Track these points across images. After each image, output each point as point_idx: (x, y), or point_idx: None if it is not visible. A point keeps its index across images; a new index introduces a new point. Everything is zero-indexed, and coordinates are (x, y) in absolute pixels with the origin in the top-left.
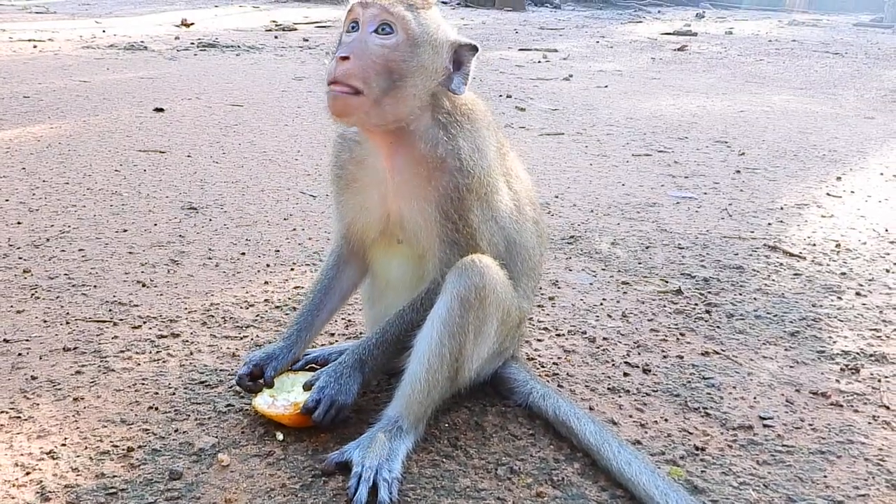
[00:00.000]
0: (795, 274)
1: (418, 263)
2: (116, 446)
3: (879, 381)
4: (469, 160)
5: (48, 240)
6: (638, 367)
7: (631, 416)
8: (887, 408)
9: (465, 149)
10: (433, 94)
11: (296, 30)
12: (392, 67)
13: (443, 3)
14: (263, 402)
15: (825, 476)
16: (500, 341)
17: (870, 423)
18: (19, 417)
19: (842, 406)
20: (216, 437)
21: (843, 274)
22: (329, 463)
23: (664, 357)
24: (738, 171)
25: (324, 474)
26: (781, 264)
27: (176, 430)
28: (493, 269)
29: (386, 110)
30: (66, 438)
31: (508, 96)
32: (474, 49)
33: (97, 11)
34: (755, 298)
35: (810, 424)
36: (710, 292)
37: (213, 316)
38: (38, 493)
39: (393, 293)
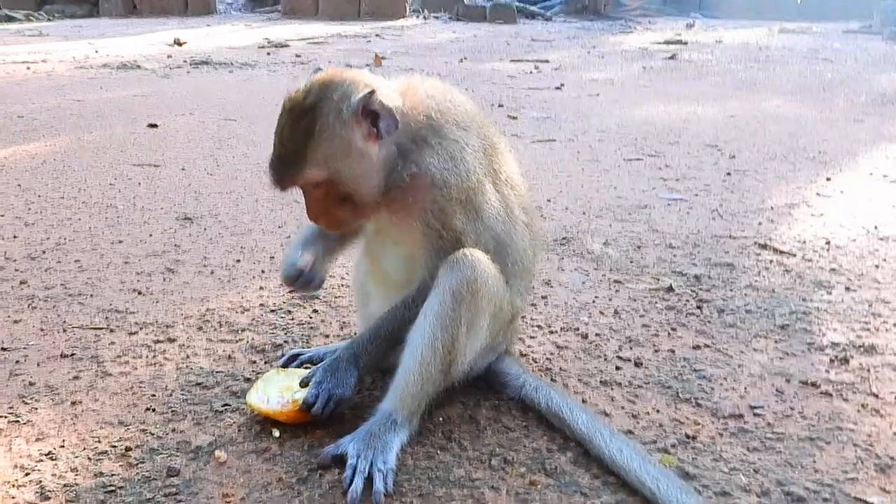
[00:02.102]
0: (786, 270)
1: (412, 262)
2: (114, 447)
3: (868, 370)
4: (441, 172)
5: (44, 252)
6: (630, 360)
7: (623, 408)
8: (876, 396)
9: (434, 163)
10: (382, 144)
11: (288, 46)
12: (342, 195)
13: (435, 17)
14: (258, 399)
15: (815, 461)
16: (493, 335)
17: (859, 410)
18: (18, 421)
19: (831, 395)
20: (213, 435)
21: (833, 270)
22: (325, 456)
23: (656, 351)
24: (729, 174)
25: (320, 468)
26: (772, 261)
27: (173, 430)
28: (485, 263)
29: (366, 202)
30: (64, 440)
31: (500, 105)
32: (366, 95)
33: (90, 33)
34: (746, 294)
35: (800, 413)
36: (701, 289)
37: (208, 321)
38: (37, 492)
39: (389, 290)
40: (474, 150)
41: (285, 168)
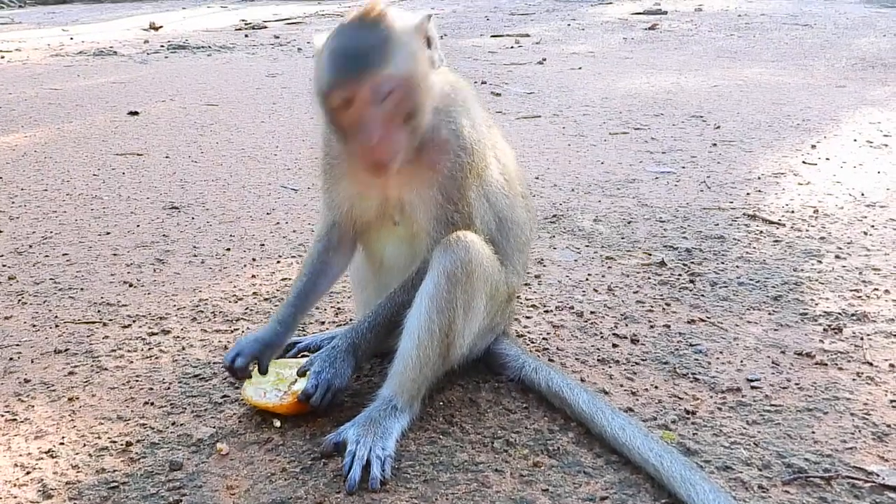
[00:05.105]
0: (775, 241)
1: (412, 243)
2: (115, 442)
3: (862, 339)
4: (468, 137)
5: (31, 246)
6: (626, 338)
7: (622, 385)
8: (870, 364)
9: (465, 125)
10: (434, 74)
11: (266, 28)
12: (408, 116)
13: None
14: (255, 393)
15: (813, 432)
16: (490, 317)
17: (854, 379)
18: (15, 420)
19: (826, 365)
20: (214, 427)
21: (822, 238)
22: (327, 444)
23: (651, 327)
24: (715, 144)
25: (323, 456)
26: (761, 232)
27: (173, 423)
28: (478, 244)
29: (421, 129)
30: (63, 437)
31: (483, 82)
32: (428, 18)
33: (63, 20)
34: (737, 266)
35: (797, 384)
36: (692, 262)
37: (202, 311)
38: (39, 491)
39: (386, 274)
40: (482, 121)
41: (365, 63)
